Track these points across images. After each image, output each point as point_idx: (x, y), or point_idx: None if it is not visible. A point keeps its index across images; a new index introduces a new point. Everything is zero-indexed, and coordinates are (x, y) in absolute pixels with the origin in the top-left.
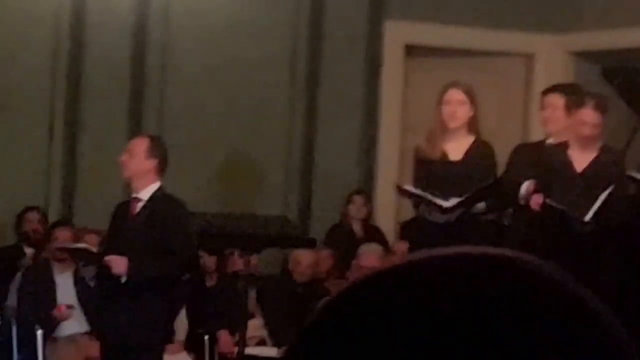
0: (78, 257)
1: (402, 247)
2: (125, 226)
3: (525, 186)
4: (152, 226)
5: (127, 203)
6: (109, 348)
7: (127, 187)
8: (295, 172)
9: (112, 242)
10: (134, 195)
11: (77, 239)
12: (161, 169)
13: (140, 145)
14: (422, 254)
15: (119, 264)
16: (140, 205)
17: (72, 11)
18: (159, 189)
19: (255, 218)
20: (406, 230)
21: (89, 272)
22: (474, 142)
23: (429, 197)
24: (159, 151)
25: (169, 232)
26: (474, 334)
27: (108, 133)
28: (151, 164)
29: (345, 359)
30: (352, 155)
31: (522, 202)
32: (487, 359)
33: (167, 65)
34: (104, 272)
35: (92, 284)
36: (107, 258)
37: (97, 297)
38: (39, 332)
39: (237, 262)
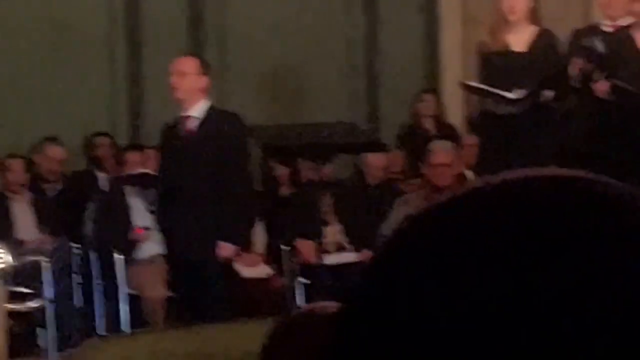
0: (139, 182)
1: (471, 140)
2: (180, 145)
3: (573, 65)
4: (214, 141)
5: (176, 123)
6: (179, 266)
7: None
8: (358, 75)
9: (168, 162)
10: (184, 114)
11: (146, 160)
12: (209, 87)
13: (191, 64)
14: (493, 178)
15: (226, 249)
16: (195, 123)
17: None
18: (212, 106)
19: (324, 126)
20: (475, 124)
21: (150, 195)
22: (537, 33)
23: (495, 90)
24: (208, 69)
25: (232, 145)
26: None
27: (168, 54)
28: (203, 82)
29: (419, 278)
30: (414, 54)
31: (575, 84)
32: (562, 284)
33: None
34: (168, 193)
35: (152, 207)
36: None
37: (162, 217)
38: (118, 257)
39: (309, 171)
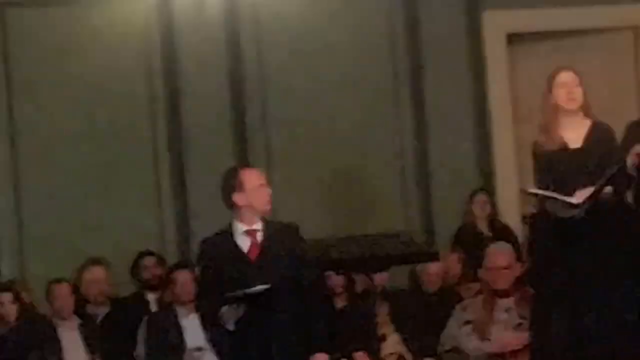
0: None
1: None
2: (246, 260)
3: (631, 156)
4: (281, 255)
5: (228, 237)
6: None
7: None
8: (410, 180)
9: (232, 279)
10: (248, 228)
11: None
12: None
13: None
14: None
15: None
16: (259, 236)
17: (162, 42)
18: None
19: (377, 238)
20: (534, 226)
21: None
22: (591, 127)
23: (558, 196)
24: None
25: (299, 259)
26: None
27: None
28: None
29: None
30: (466, 155)
31: (633, 172)
32: None
33: (266, 81)
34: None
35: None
36: None
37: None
38: None
39: (364, 281)
